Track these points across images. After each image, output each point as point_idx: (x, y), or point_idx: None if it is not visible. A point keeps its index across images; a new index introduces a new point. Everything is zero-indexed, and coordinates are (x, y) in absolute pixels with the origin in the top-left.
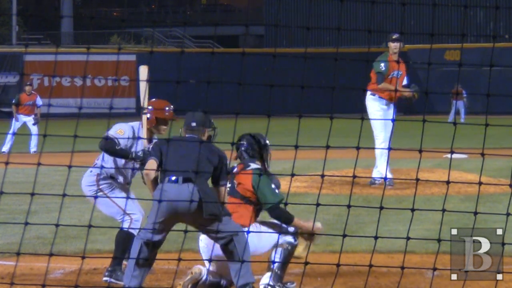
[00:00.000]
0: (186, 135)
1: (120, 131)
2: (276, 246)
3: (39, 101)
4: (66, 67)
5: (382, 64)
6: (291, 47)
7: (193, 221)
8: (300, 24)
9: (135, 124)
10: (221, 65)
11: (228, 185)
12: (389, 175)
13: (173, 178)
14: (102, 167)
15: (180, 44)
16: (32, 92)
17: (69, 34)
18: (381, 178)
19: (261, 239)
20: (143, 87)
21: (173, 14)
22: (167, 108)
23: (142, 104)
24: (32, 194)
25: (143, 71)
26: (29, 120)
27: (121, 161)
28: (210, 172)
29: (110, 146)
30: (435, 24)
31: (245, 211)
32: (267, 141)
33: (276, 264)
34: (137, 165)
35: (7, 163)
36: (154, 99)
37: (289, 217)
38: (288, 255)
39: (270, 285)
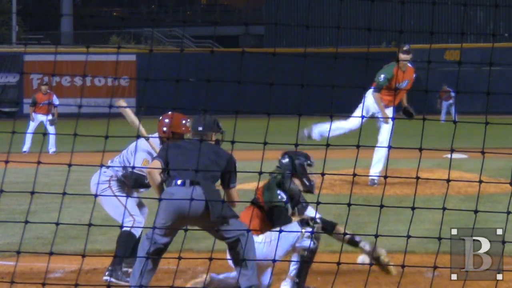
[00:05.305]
0: (193, 139)
1: (145, 161)
2: (292, 250)
3: (56, 100)
4: (65, 67)
5: (382, 76)
6: (291, 47)
7: (200, 224)
8: (300, 24)
9: (149, 147)
10: (221, 65)
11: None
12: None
13: (179, 181)
14: (107, 166)
15: (180, 44)
16: (48, 91)
17: (69, 34)
18: (378, 176)
19: (271, 245)
20: (134, 119)
21: (173, 14)
22: (183, 122)
23: (140, 133)
24: (32, 193)
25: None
26: (46, 119)
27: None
28: (218, 176)
29: (141, 183)
30: (435, 23)
31: (256, 214)
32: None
33: (293, 272)
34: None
35: (7, 161)
36: (170, 112)
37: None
38: (306, 262)
39: None
